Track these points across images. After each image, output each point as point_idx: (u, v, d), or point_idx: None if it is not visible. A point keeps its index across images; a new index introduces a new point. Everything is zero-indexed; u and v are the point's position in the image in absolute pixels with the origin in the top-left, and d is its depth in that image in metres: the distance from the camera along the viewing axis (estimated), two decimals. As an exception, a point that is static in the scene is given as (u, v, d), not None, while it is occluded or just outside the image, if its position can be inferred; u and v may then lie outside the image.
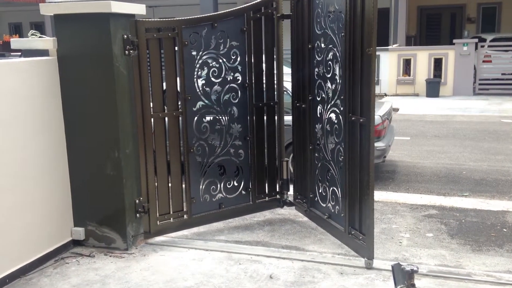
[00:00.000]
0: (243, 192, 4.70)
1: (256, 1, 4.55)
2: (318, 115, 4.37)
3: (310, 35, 4.38)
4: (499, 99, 13.43)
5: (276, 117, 4.78)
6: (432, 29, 20.38)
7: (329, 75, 4.14)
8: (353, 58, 3.77)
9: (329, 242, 4.31)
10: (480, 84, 14.52)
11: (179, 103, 4.27)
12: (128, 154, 4.06)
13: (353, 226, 3.97)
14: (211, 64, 4.36)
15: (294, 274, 3.73)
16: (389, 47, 15.21)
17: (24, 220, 3.78)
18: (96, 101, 3.98)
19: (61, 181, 4.10)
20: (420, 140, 8.87)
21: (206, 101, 4.38)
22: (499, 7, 19.54)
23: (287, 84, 4.96)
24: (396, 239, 4.50)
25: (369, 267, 3.78)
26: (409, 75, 14.71)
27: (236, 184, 4.65)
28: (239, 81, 4.53)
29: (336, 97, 4.06)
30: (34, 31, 4.32)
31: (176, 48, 4.18)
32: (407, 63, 14.77)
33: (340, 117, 4.00)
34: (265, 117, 4.73)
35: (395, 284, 2.78)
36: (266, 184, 4.85)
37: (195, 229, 4.61)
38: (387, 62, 14.81)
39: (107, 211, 4.13)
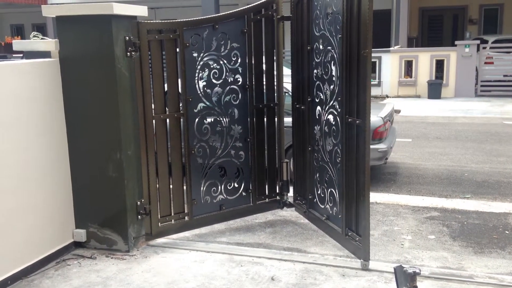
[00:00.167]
0: (244, 193, 4.70)
1: (256, 3, 4.56)
2: (317, 117, 4.39)
3: (309, 36, 4.40)
4: (501, 101, 13.41)
5: (276, 119, 4.79)
6: (434, 31, 20.37)
7: (327, 77, 4.16)
8: (349, 60, 3.79)
9: (330, 244, 4.30)
10: (482, 85, 14.50)
11: (180, 104, 4.27)
12: (130, 156, 4.06)
13: (350, 227, 3.98)
14: (212, 66, 4.37)
15: (295, 276, 3.72)
16: (390, 48, 15.21)
17: (26, 221, 3.78)
18: (98, 103, 3.98)
19: (62, 183, 4.11)
20: (421, 142, 8.86)
21: (207, 103, 4.39)
22: (501, 9, 19.52)
23: (288, 85, 4.97)
24: (398, 241, 4.49)
25: (365, 268, 3.79)
26: (411, 77, 14.70)
27: (236, 185, 4.66)
28: (240, 83, 4.54)
29: (333, 99, 4.08)
30: (36, 32, 4.33)
31: (178, 49, 4.19)
32: (408, 65, 14.76)
33: (338, 119, 4.02)
34: (265, 119, 4.74)
35: (398, 286, 2.77)
36: (266, 186, 4.86)
37: (196, 231, 4.60)
38: (389, 64, 14.80)
39: (109, 213, 4.13)
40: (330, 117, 4.14)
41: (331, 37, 4.02)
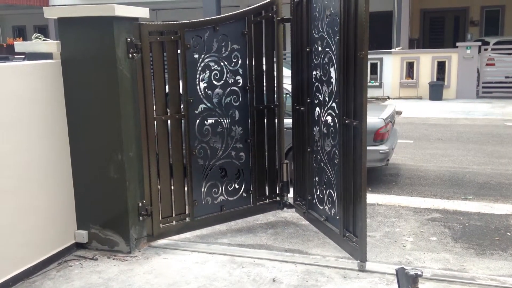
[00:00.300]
0: (244, 194, 4.71)
1: (256, 5, 4.58)
2: (316, 118, 4.41)
3: (308, 38, 4.42)
4: (502, 102, 13.40)
5: (276, 120, 4.80)
6: (435, 32, 20.36)
7: (325, 78, 4.18)
8: (347, 62, 3.81)
9: (332, 245, 4.30)
10: (483, 87, 14.49)
11: (182, 106, 4.28)
12: (131, 157, 4.06)
13: (347, 228, 3.99)
14: (213, 67, 4.38)
15: (297, 278, 3.72)
16: (392, 50, 15.21)
17: (28, 223, 3.78)
18: (99, 104, 3.99)
19: (64, 184, 4.11)
20: (423, 143, 8.85)
21: (208, 104, 4.40)
22: (503, 10, 19.51)
23: (289, 87, 4.98)
24: (400, 243, 4.49)
25: (362, 269, 3.79)
26: (412, 78, 14.70)
27: (237, 186, 4.66)
28: (240, 84, 4.55)
29: (332, 100, 4.10)
30: (38, 34, 4.34)
31: (179, 51, 4.19)
32: (410, 66, 14.76)
33: (336, 120, 4.03)
34: (265, 120, 4.75)
35: (399, 288, 2.77)
36: (267, 187, 4.87)
37: (198, 232, 4.61)
38: (390, 65, 14.80)
39: (110, 214, 4.13)
40: (329, 118, 4.16)
41: (330, 39, 4.04)
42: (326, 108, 4.19)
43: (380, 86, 14.98)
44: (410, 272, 2.70)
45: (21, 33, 23.89)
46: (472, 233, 4.71)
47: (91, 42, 3.92)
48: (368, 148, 6.00)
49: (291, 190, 4.97)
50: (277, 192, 4.93)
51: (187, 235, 4.53)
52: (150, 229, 4.27)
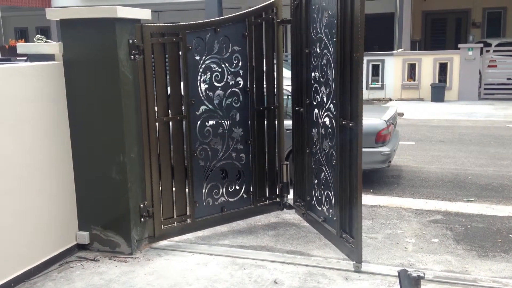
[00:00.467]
0: (245, 195, 4.72)
1: (257, 7, 4.59)
2: (315, 119, 4.42)
3: (307, 40, 4.44)
4: (504, 104, 13.38)
5: (276, 121, 4.81)
6: (437, 34, 20.35)
7: (323, 80, 4.20)
8: (343, 63, 3.82)
9: (333, 247, 4.29)
10: (485, 89, 14.47)
11: (183, 107, 4.28)
12: (133, 158, 4.06)
13: (344, 229, 4.00)
14: (214, 69, 4.39)
15: (298, 279, 3.71)
16: (393, 51, 15.20)
17: (29, 224, 3.78)
18: (101, 106, 3.99)
19: (66, 185, 4.11)
20: (425, 145, 8.84)
21: (209, 106, 4.41)
22: (504, 12, 19.50)
23: (290, 88, 4.98)
24: (402, 245, 4.48)
25: (357, 270, 3.80)
26: (414, 80, 14.69)
27: (237, 187, 4.67)
28: (241, 86, 4.56)
29: (329, 102, 4.11)
30: (40, 35, 4.34)
31: (180, 52, 4.20)
32: (412, 68, 14.74)
33: (333, 121, 4.05)
34: (265, 121, 4.77)
35: (401, 290, 2.76)
36: (267, 188, 4.88)
37: (199, 233, 4.60)
38: (392, 67, 14.79)
39: (112, 215, 4.13)
40: (327, 119, 4.18)
41: (327, 40, 4.06)
42: (324, 110, 4.22)
43: (382, 87, 14.97)
44: (413, 274, 2.70)
45: (23, 35, 23.94)
46: (474, 235, 4.70)
47: (93, 44, 3.92)
48: (370, 149, 6.12)
49: (291, 191, 4.98)
50: (277, 193, 4.94)
51: (189, 236, 4.53)
52: (152, 231, 4.27)
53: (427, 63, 14.47)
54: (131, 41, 3.95)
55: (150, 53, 4.05)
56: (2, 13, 20.46)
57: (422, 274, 2.71)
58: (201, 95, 4.35)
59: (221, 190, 4.57)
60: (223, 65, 4.43)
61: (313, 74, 4.39)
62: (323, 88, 4.21)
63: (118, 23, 3.85)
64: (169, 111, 4.25)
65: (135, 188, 4.10)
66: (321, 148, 4.30)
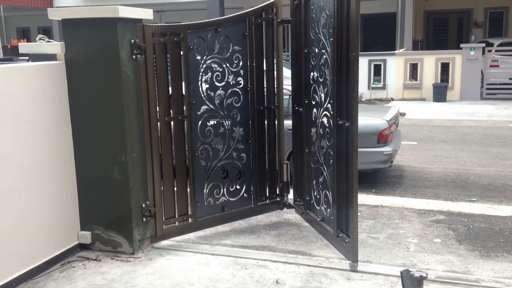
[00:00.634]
0: (245, 195, 4.73)
1: (257, 7, 4.60)
2: (313, 119, 4.44)
3: (306, 40, 4.46)
4: (506, 104, 13.35)
5: (276, 121, 4.82)
6: (439, 34, 20.32)
7: (321, 80, 4.21)
8: (340, 63, 3.84)
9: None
10: (487, 88, 14.45)
11: (184, 107, 4.28)
12: (135, 158, 4.06)
13: (341, 229, 4.02)
14: (215, 69, 4.40)
15: (300, 279, 3.71)
16: (395, 51, 15.19)
17: (31, 223, 3.78)
18: (103, 105, 3.99)
19: (68, 185, 4.11)
20: (427, 145, 8.83)
21: (210, 105, 4.42)
22: (506, 12, 19.46)
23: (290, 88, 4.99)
24: (404, 245, 4.47)
25: (353, 269, 3.80)
26: (416, 80, 14.67)
27: (238, 187, 4.68)
28: (241, 85, 4.57)
29: (327, 101, 4.13)
30: (42, 35, 4.34)
31: (181, 52, 4.20)
32: (414, 68, 14.73)
33: (331, 121, 4.06)
34: (266, 121, 4.78)
35: (403, 290, 2.75)
36: (267, 187, 4.89)
37: (201, 233, 4.60)
38: (394, 67, 14.78)
39: (114, 215, 4.13)
40: (324, 119, 4.19)
41: (325, 40, 4.08)
42: (322, 109, 4.23)
43: (384, 87, 14.95)
44: (415, 274, 2.69)
45: (25, 35, 23.98)
46: (477, 235, 4.69)
47: (95, 44, 3.92)
48: (372, 149, 6.11)
49: (291, 190, 4.99)
50: (277, 192, 4.95)
51: (190, 236, 4.53)
52: (153, 230, 4.27)
53: (429, 63, 14.45)
54: (132, 41, 3.95)
55: (152, 53, 4.05)
56: (4, 13, 20.50)
57: (424, 275, 2.71)
58: (202, 95, 4.36)
59: (222, 190, 4.58)
60: (224, 65, 4.44)
61: (311, 74, 4.41)
62: (321, 88, 4.23)
63: (120, 23, 3.85)
64: (171, 111, 4.25)
65: (137, 188, 4.10)
66: (319, 148, 4.32)
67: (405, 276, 2.73)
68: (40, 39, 4.28)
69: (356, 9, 3.55)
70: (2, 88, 3.54)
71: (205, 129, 4.41)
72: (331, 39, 3.91)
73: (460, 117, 11.60)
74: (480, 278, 3.75)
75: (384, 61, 14.83)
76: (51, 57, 4.06)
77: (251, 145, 4.68)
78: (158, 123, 4.17)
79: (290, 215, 5.07)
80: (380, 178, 6.76)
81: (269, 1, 4.63)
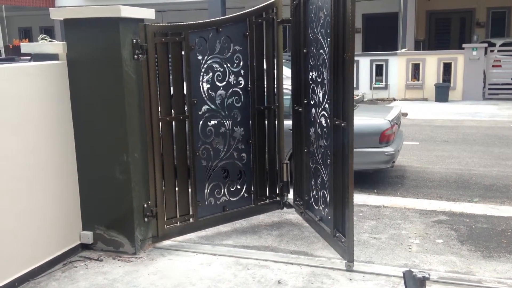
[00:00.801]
0: (246, 194, 4.74)
1: (257, 7, 4.60)
2: (312, 119, 4.44)
3: (305, 40, 4.46)
4: (509, 104, 13.33)
5: (276, 121, 4.82)
6: (441, 34, 20.29)
7: (319, 80, 4.22)
8: (336, 63, 3.85)
9: (337, 247, 4.28)
10: (489, 89, 14.43)
11: (186, 107, 4.28)
12: (137, 158, 4.06)
13: (338, 229, 4.03)
14: (215, 68, 4.40)
15: (302, 280, 3.70)
16: (397, 51, 15.17)
17: (33, 223, 3.78)
18: (105, 105, 3.99)
19: (69, 185, 4.11)
20: (429, 145, 8.81)
21: (211, 105, 4.42)
22: (509, 12, 19.42)
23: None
24: (406, 245, 4.46)
25: (349, 269, 3.81)
26: (418, 80, 14.65)
27: (239, 187, 4.69)
28: (242, 85, 4.57)
29: (325, 101, 4.13)
30: (44, 35, 4.35)
31: (183, 52, 4.20)
32: (416, 68, 14.71)
33: (328, 121, 4.07)
34: (266, 121, 4.78)
35: (406, 291, 2.75)
36: (267, 187, 4.89)
37: (202, 233, 4.60)
38: (396, 67, 14.76)
39: (116, 215, 4.13)
40: (323, 119, 4.20)
41: (323, 40, 4.08)
42: (320, 109, 4.24)
43: (386, 87, 14.94)
44: (418, 275, 2.68)
45: (27, 34, 24.02)
46: (479, 236, 4.68)
47: (97, 43, 3.92)
48: (373, 150, 6.11)
49: (291, 190, 5.00)
50: (277, 192, 4.95)
51: (192, 236, 4.53)
52: (155, 230, 4.27)
53: (431, 63, 14.43)
54: (134, 40, 3.95)
55: (154, 53, 4.05)
56: (6, 12, 20.53)
57: (427, 275, 2.70)
58: (203, 95, 4.36)
59: (222, 190, 4.58)
60: (224, 65, 4.44)
61: (310, 74, 4.42)
62: (319, 88, 4.25)
63: (122, 23, 3.85)
64: (172, 110, 4.25)
65: (138, 188, 4.10)
66: (318, 147, 4.34)
67: (408, 276, 2.73)
68: (42, 39, 4.28)
69: (351, 10, 3.56)
70: (4, 88, 3.54)
71: (206, 129, 4.41)
72: (329, 39, 3.92)
73: (462, 117, 11.58)
74: (482, 279, 3.74)
75: (386, 61, 14.82)
76: (53, 57, 4.06)
77: (252, 145, 4.68)
78: (160, 123, 4.17)
79: (292, 215, 5.06)
80: (382, 179, 6.75)
81: (269, 1, 4.64)
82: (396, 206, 5.55)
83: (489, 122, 10.95)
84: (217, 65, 4.40)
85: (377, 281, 3.66)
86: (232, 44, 4.45)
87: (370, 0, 19.45)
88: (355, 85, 15.81)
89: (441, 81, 14.39)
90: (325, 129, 4.15)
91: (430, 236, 4.67)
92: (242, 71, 4.55)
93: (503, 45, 15.32)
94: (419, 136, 9.59)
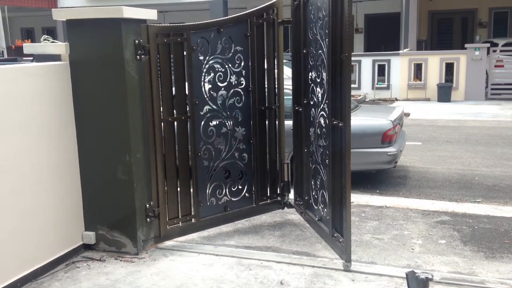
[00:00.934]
0: (247, 194, 4.74)
1: (258, 7, 4.61)
2: (311, 119, 4.45)
3: (305, 40, 4.48)
4: (511, 104, 13.30)
5: (277, 121, 4.83)
6: (443, 34, 20.26)
7: (319, 80, 4.23)
8: (334, 63, 3.85)
9: (340, 248, 4.28)
10: (492, 89, 14.40)
11: (187, 107, 4.29)
12: (139, 158, 4.06)
13: (336, 229, 4.04)
14: (217, 69, 4.41)
15: (305, 281, 3.70)
16: (400, 51, 15.16)
17: (36, 224, 3.79)
18: (107, 106, 4.00)
19: (72, 185, 4.12)
20: (431, 145, 8.80)
21: (213, 106, 4.42)
22: (511, 12, 19.37)
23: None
24: (408, 246, 4.46)
25: (347, 269, 3.81)
26: (420, 80, 14.63)
27: (240, 187, 4.69)
28: (243, 85, 4.58)
29: (324, 102, 4.14)
30: (46, 36, 4.35)
31: (185, 53, 4.20)
32: (418, 68, 14.69)
33: (327, 121, 4.07)
34: (267, 121, 4.79)
35: (408, 292, 2.74)
36: (268, 187, 4.89)
37: (204, 233, 4.60)
38: (398, 67, 14.75)
39: (118, 216, 4.13)
40: (321, 119, 4.21)
41: (322, 41, 4.09)
42: (319, 110, 4.25)
43: (388, 87, 14.93)
44: (421, 275, 2.68)
45: (29, 35, 24.06)
46: (482, 236, 4.67)
47: (99, 44, 3.93)
48: (376, 150, 6.10)
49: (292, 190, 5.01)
50: (278, 192, 4.96)
51: (194, 236, 4.53)
52: (157, 231, 4.27)
53: (434, 63, 14.42)
54: (137, 41, 3.95)
55: (156, 53, 4.05)
56: (8, 13, 20.57)
57: (430, 276, 2.69)
58: (205, 95, 4.36)
59: (224, 190, 4.58)
60: (226, 65, 4.44)
61: (310, 74, 4.44)
62: (318, 88, 4.26)
63: (124, 24, 3.85)
64: (174, 111, 4.25)
65: (141, 188, 4.10)
66: (317, 148, 4.35)
67: (411, 277, 2.72)
68: (44, 39, 4.28)
69: (349, 10, 3.57)
70: (7, 88, 3.54)
71: (207, 129, 4.41)
72: (327, 40, 3.93)
73: (464, 118, 11.56)
74: (485, 280, 3.73)
75: (388, 61, 14.81)
76: (55, 57, 4.06)
77: (253, 145, 4.68)
78: (162, 123, 4.17)
79: (294, 215, 5.06)
80: (385, 179, 6.75)
81: (270, 2, 4.64)
82: (399, 206, 5.54)
83: (491, 122, 10.93)
84: (218, 66, 4.41)
85: (380, 281, 3.66)
86: (233, 45, 4.46)
87: (372, 0, 19.44)
88: (357, 85, 15.90)
89: (443, 81, 14.37)
90: (324, 129, 4.16)
91: (432, 236, 4.67)
92: (243, 72, 4.55)
93: (505, 45, 15.28)
94: (421, 136, 9.58)
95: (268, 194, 4.90)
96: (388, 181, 6.66)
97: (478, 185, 6.43)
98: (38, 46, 4.22)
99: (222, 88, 4.46)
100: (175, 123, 4.26)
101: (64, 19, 4.02)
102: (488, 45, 14.34)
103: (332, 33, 3.83)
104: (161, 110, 4.16)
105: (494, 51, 14.46)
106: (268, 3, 4.64)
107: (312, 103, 4.43)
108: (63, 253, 4.03)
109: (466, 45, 14.53)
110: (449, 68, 14.38)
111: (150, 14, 4.11)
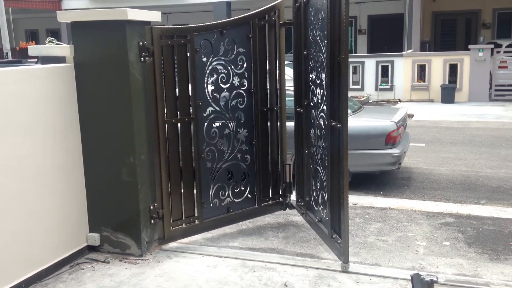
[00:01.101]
0: (249, 196, 4.75)
1: (260, 9, 4.62)
2: (312, 120, 4.46)
3: (305, 42, 4.49)
4: (515, 105, 13.27)
5: (278, 122, 4.84)
6: (447, 35, 20.22)
7: (318, 81, 4.24)
8: (332, 65, 3.87)
9: (344, 249, 4.27)
10: (496, 90, 14.36)
11: (191, 109, 4.29)
12: (143, 160, 4.07)
13: (335, 230, 4.04)
14: (220, 70, 4.42)
15: (309, 283, 3.69)
16: (403, 52, 15.13)
17: (41, 225, 3.80)
18: (111, 108, 4.00)
19: (76, 187, 4.13)
20: (435, 147, 8.78)
21: (216, 107, 4.43)
22: (515, 13, 19.32)
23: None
24: (413, 248, 4.45)
25: (344, 270, 3.81)
26: (424, 81, 14.60)
27: (242, 188, 4.70)
28: (246, 87, 4.59)
29: (323, 103, 4.15)
30: (51, 38, 4.36)
31: (188, 54, 4.21)
32: (421, 69, 14.66)
33: (326, 122, 4.08)
34: (269, 122, 4.79)
35: (413, 294, 2.74)
36: (270, 188, 4.90)
37: (208, 235, 4.60)
38: (402, 68, 14.72)
39: (122, 217, 4.14)
40: (321, 121, 4.22)
41: (321, 42, 4.10)
42: (319, 111, 4.26)
43: (392, 89, 14.90)
44: (426, 278, 2.67)
45: (34, 37, 24.14)
46: (486, 238, 4.65)
47: (103, 46, 3.94)
48: (379, 151, 6.10)
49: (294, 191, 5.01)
50: (280, 193, 4.97)
51: (197, 238, 4.53)
52: (162, 232, 4.28)
53: (437, 64, 14.39)
54: (141, 43, 3.96)
55: (160, 55, 4.06)
56: (12, 15, 20.64)
57: (435, 278, 2.69)
58: (208, 97, 4.37)
59: (227, 191, 4.59)
60: (228, 67, 4.45)
61: (310, 75, 4.45)
62: (318, 90, 4.27)
63: (128, 26, 3.86)
64: (178, 112, 4.26)
65: (145, 190, 4.11)
66: (317, 149, 4.35)
67: (416, 280, 2.71)
68: (49, 41, 4.30)
69: (345, 12, 3.58)
70: (12, 90, 3.55)
71: (210, 130, 4.42)
72: (326, 41, 3.95)
73: (468, 119, 11.53)
74: (489, 282, 3.72)
75: (392, 62, 14.78)
76: (60, 59, 4.08)
77: (255, 146, 4.69)
78: (166, 125, 4.18)
79: (297, 217, 5.06)
80: (388, 180, 6.73)
81: (272, 4, 4.66)
82: (403, 208, 5.53)
83: (495, 124, 10.90)
84: (221, 67, 4.42)
85: (384, 283, 3.65)
86: (235, 46, 4.47)
87: (376, 2, 19.43)
88: (360, 87, 15.85)
89: (447, 82, 14.34)
90: (323, 130, 4.16)
91: (437, 238, 4.65)
92: (245, 73, 4.56)
93: (509, 46, 15.24)
94: (425, 138, 9.56)
95: (270, 195, 4.90)
96: (392, 183, 6.65)
97: (482, 186, 6.41)
98: (43, 48, 4.24)
99: (225, 90, 4.47)
100: (179, 124, 4.26)
101: (69, 21, 4.04)
102: (492, 46, 14.30)
103: (330, 34, 3.84)
104: (165, 112, 4.17)
105: (498, 52, 14.41)
106: (270, 5, 4.65)
107: (312, 104, 4.44)
108: (67, 255, 4.04)
109: (469, 46, 14.50)
110: (453, 69, 14.35)
111: (154, 16, 4.12)
